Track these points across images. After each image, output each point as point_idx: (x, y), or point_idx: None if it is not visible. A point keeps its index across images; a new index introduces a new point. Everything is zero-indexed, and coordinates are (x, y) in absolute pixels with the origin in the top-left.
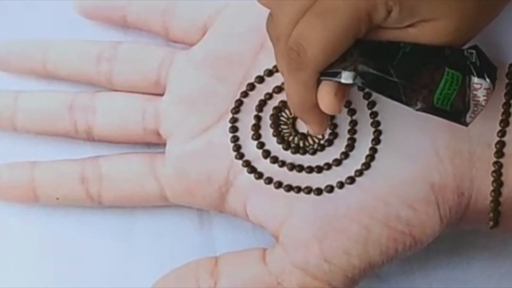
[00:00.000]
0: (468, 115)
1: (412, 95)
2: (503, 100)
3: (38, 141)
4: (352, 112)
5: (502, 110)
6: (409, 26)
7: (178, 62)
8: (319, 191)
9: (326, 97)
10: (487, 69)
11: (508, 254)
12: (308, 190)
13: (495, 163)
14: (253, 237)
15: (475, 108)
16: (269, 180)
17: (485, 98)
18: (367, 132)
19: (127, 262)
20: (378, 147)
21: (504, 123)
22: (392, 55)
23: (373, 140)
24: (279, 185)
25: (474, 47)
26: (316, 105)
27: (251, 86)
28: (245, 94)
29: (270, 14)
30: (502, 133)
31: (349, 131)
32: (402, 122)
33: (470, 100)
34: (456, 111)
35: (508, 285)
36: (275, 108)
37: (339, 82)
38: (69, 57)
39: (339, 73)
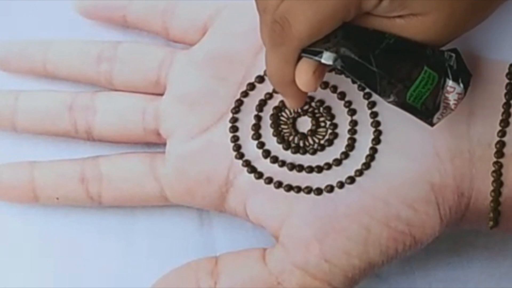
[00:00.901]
0: (436, 116)
1: (387, 87)
2: (503, 100)
3: (38, 141)
4: (352, 112)
5: (502, 110)
6: (398, 16)
7: (178, 62)
8: (319, 191)
9: (304, 75)
10: (463, 74)
11: (508, 254)
12: (308, 190)
13: (495, 163)
14: (253, 237)
15: (444, 111)
16: (269, 180)
17: (455, 102)
18: (367, 132)
19: (127, 262)
20: (378, 147)
21: (504, 123)
22: (376, 44)
23: (373, 140)
24: (279, 185)
25: (454, 50)
26: (294, 81)
27: (251, 86)
28: (245, 94)
29: None
30: (502, 133)
31: (349, 131)
32: (402, 122)
33: (440, 102)
34: (426, 110)
35: (508, 285)
36: (275, 108)
37: (319, 62)
38: (69, 57)
39: (321, 52)
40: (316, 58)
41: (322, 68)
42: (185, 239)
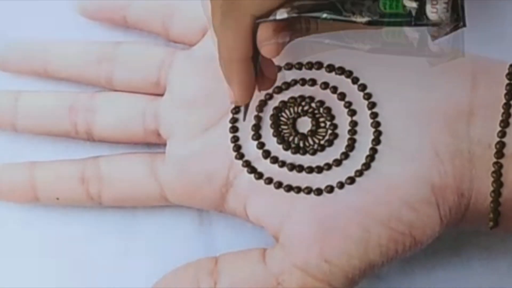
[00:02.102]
0: (428, 10)
1: (355, 9)
2: (503, 101)
3: (38, 141)
4: (352, 112)
5: (502, 110)
6: None
7: (178, 62)
8: (319, 192)
9: (264, 35)
10: None
11: (508, 254)
12: (308, 190)
13: (495, 163)
14: (253, 237)
15: (434, 1)
16: (269, 180)
17: None
18: (367, 133)
19: (127, 262)
20: (378, 147)
21: (504, 123)
22: None
23: (373, 140)
24: (279, 185)
25: None
26: (247, 59)
27: None
28: None
29: None
30: (502, 133)
31: (349, 132)
32: (402, 122)
33: None
34: (411, 11)
35: (508, 284)
36: (275, 108)
37: (275, 20)
38: (70, 58)
39: (274, 14)
40: (271, 17)
41: (281, 26)
42: (185, 239)
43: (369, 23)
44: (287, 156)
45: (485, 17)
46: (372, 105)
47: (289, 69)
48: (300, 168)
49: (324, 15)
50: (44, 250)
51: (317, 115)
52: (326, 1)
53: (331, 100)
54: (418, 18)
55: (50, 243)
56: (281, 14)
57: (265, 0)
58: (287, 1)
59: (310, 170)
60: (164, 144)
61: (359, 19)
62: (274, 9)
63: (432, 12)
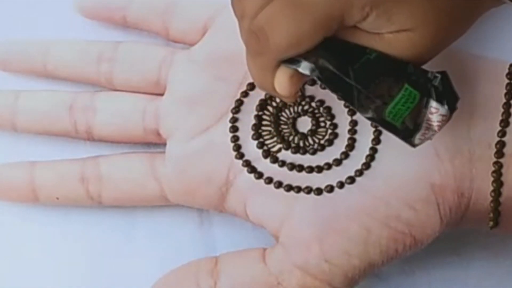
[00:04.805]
0: (417, 137)
1: (365, 102)
2: (503, 100)
3: (38, 141)
4: (352, 112)
5: (502, 110)
6: (385, 32)
7: (178, 62)
8: (319, 191)
9: (281, 79)
10: (448, 96)
11: (508, 254)
12: (308, 190)
13: (495, 163)
14: (253, 237)
15: (426, 132)
16: (269, 180)
17: (439, 124)
18: (367, 132)
19: (127, 262)
20: (378, 147)
21: (504, 123)
22: (356, 58)
23: (373, 140)
24: (279, 185)
25: (442, 72)
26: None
27: (252, 86)
28: (245, 94)
29: None
30: (502, 133)
31: (349, 131)
32: None
33: (422, 122)
34: (406, 129)
35: (508, 284)
36: (275, 107)
37: (297, 70)
38: (69, 57)
39: (299, 61)
40: (294, 66)
41: (299, 75)
42: (185, 239)
43: (369, 119)
44: (287, 155)
45: (484, 17)
46: None
47: None
48: (300, 168)
49: (338, 97)
50: (44, 250)
51: (317, 115)
52: (347, 79)
53: (331, 99)
54: (406, 138)
55: (50, 242)
56: (304, 69)
57: (291, 49)
58: (313, 53)
59: (310, 169)
60: (164, 144)
61: (363, 113)
62: (299, 55)
63: (419, 139)
